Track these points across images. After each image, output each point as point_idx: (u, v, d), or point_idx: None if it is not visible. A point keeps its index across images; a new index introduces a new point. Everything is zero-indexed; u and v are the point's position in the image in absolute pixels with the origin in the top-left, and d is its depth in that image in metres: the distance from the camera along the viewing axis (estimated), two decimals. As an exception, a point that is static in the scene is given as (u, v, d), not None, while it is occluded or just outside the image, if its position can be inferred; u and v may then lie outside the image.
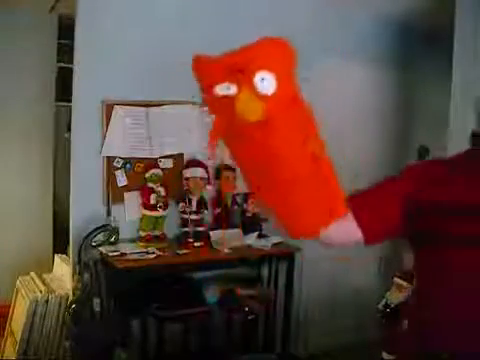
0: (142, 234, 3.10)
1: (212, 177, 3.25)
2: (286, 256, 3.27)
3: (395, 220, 1.31)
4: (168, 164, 3.22)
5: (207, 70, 1.05)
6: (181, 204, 3.17)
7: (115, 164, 3.10)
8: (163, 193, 3.11)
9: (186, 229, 3.15)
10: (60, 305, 3.06)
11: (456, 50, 3.18)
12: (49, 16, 4.03)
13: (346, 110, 3.85)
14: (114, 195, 3.10)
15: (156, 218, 3.11)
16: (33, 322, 3.02)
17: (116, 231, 3.03)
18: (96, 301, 2.84)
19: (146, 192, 3.10)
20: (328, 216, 1.13)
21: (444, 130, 3.21)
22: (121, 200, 3.12)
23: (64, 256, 3.48)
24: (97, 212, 3.06)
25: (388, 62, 3.98)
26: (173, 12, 3.17)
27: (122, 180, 3.12)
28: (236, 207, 3.34)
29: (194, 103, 3.09)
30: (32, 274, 3.38)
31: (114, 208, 3.10)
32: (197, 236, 3.13)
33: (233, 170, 3.10)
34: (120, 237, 3.05)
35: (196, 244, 3.10)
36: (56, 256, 3.56)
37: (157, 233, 3.11)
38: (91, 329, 2.83)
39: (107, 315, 2.87)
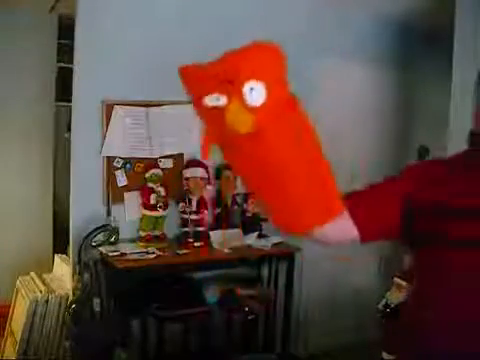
0: (142, 234, 3.10)
1: (212, 177, 3.25)
2: (286, 256, 3.27)
3: (392, 219, 1.30)
4: (168, 164, 3.22)
5: (195, 81, 1.03)
6: (181, 204, 3.17)
7: (115, 164, 3.10)
8: (163, 193, 3.11)
9: (186, 229, 3.15)
10: (60, 305, 3.07)
11: (456, 50, 3.18)
12: (49, 16, 4.03)
13: (346, 110, 3.85)
14: (114, 195, 3.10)
15: (156, 218, 3.11)
16: (33, 322, 3.02)
17: (116, 231, 3.03)
18: (96, 301, 2.84)
19: (146, 192, 3.10)
20: (324, 215, 1.13)
21: (444, 130, 3.21)
22: (121, 200, 3.12)
23: (64, 256, 3.48)
24: (97, 212, 3.06)
25: (388, 62, 3.98)
26: (173, 12, 3.17)
27: (122, 180, 3.12)
28: (236, 207, 3.34)
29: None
30: (32, 274, 3.38)
31: (114, 208, 3.10)
32: (197, 236, 3.13)
33: (233, 170, 3.10)
34: (120, 237, 3.05)
35: (196, 244, 3.10)
36: (56, 256, 3.56)
37: (157, 233, 3.11)
38: (91, 329, 2.83)
39: (107, 315, 2.87)
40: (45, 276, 3.38)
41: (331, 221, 1.16)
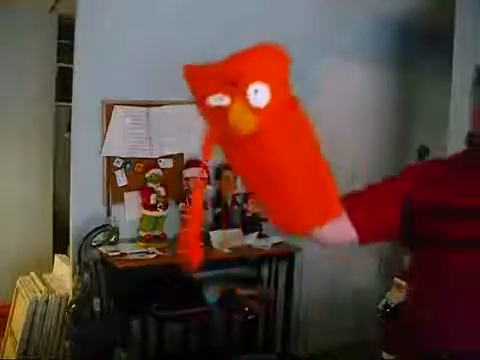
0: (142, 234, 3.10)
1: (212, 177, 3.25)
2: (286, 256, 3.27)
3: (392, 220, 1.31)
4: (168, 164, 3.22)
5: (199, 81, 1.03)
6: (181, 204, 3.16)
7: (115, 164, 3.10)
8: (163, 193, 3.11)
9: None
10: (60, 305, 3.07)
11: (456, 50, 3.18)
12: (49, 16, 4.03)
13: (346, 110, 3.85)
14: (114, 195, 3.10)
15: (156, 218, 3.11)
16: (33, 322, 3.02)
17: (116, 231, 3.03)
18: (96, 301, 2.84)
19: (146, 192, 3.10)
20: (323, 216, 1.13)
21: (444, 130, 3.21)
22: (121, 200, 3.12)
23: (64, 256, 3.48)
24: (97, 212, 3.06)
25: (388, 62, 3.98)
26: (173, 12, 3.17)
27: (122, 180, 3.12)
28: (236, 207, 3.35)
29: (194, 103, 3.09)
30: (32, 274, 3.38)
31: (114, 208, 3.10)
32: (197, 236, 3.13)
33: (233, 170, 3.10)
34: (120, 237, 3.05)
35: (196, 244, 3.10)
36: (56, 256, 3.56)
37: (157, 233, 3.11)
38: (91, 329, 2.83)
39: (107, 315, 2.87)
40: (45, 276, 3.38)
41: (330, 222, 1.16)
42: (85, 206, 3.06)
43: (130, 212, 3.14)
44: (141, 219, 3.12)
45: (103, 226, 2.99)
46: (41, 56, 4.07)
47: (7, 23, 3.85)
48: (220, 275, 3.29)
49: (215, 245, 3.10)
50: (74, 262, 2.97)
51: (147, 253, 2.92)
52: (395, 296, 2.86)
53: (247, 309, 3.21)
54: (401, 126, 4.21)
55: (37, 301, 3.03)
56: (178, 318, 3.00)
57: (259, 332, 3.44)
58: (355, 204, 1.27)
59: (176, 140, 3.22)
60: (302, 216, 1.13)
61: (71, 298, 2.98)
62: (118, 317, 2.91)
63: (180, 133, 3.20)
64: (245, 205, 3.36)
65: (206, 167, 3.15)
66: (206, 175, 3.17)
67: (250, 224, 3.33)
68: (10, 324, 3.31)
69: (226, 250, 3.07)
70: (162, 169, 3.16)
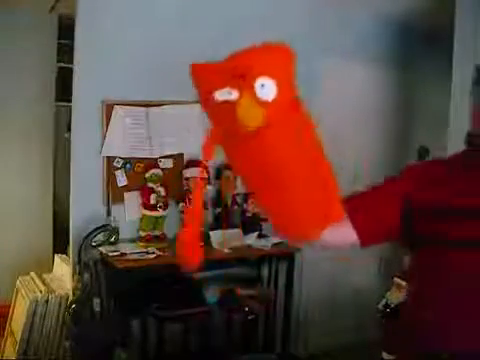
0: (142, 234, 3.10)
1: (212, 177, 3.25)
2: (286, 256, 3.27)
3: (392, 220, 1.31)
4: (168, 164, 3.22)
5: (206, 76, 1.04)
6: (181, 204, 3.16)
7: (115, 164, 3.10)
8: (163, 193, 3.11)
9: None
10: (60, 305, 3.07)
11: (456, 50, 3.18)
12: (49, 16, 4.03)
13: (346, 110, 3.85)
14: (114, 195, 3.10)
15: (156, 218, 3.11)
16: (33, 322, 3.02)
17: (116, 231, 3.03)
18: (96, 301, 2.84)
19: (146, 192, 3.10)
20: (324, 220, 1.13)
21: (444, 130, 3.21)
22: (121, 200, 3.12)
23: (64, 256, 3.48)
24: (97, 212, 3.06)
25: (388, 62, 3.98)
26: (173, 12, 3.17)
27: (122, 180, 3.12)
28: (236, 207, 3.35)
29: (194, 103, 3.09)
30: (32, 274, 3.38)
31: (114, 208, 3.10)
32: (197, 236, 3.13)
33: (233, 170, 3.10)
34: (120, 237, 3.05)
35: (196, 244, 3.10)
36: (56, 256, 3.56)
37: (157, 233, 3.11)
38: (91, 329, 2.83)
39: (107, 315, 2.87)
40: (45, 276, 3.38)
41: (330, 226, 1.16)
42: (85, 206, 3.06)
43: (130, 212, 3.14)
44: (141, 219, 3.12)
45: (103, 226, 2.99)
46: (41, 56, 4.07)
47: (7, 23, 3.85)
48: (220, 275, 3.29)
49: (215, 245, 3.10)
50: (74, 262, 2.97)
51: (147, 253, 2.92)
52: (395, 296, 2.86)
53: (247, 309, 3.21)
54: (401, 126, 4.21)
55: (37, 301, 3.03)
56: (178, 318, 3.00)
57: (259, 332, 3.44)
58: (355, 207, 1.27)
59: (176, 140, 3.22)
60: (302, 221, 1.12)
61: (71, 298, 2.98)
62: (118, 317, 2.91)
63: (180, 133, 3.20)
64: (245, 205, 3.36)
65: (206, 167, 3.15)
66: (206, 175, 3.17)
67: (250, 224, 3.33)
68: (10, 324, 3.31)
69: (226, 250, 3.07)
70: (162, 169, 3.16)
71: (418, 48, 3.98)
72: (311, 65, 3.43)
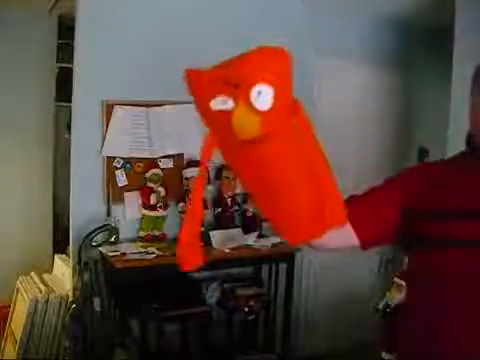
0: (142, 234, 3.10)
1: (212, 177, 3.25)
2: (286, 256, 3.27)
3: (391, 222, 1.31)
4: (168, 164, 3.22)
5: (201, 83, 1.01)
6: (181, 204, 3.17)
7: (115, 164, 3.10)
8: (163, 193, 3.11)
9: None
10: (60, 305, 3.06)
11: (456, 50, 3.18)
12: (49, 16, 4.03)
13: (345, 110, 3.85)
14: (114, 195, 3.10)
15: (156, 218, 3.11)
16: (33, 322, 3.02)
17: (116, 231, 3.03)
18: (96, 301, 2.84)
19: (146, 192, 3.10)
20: (326, 225, 1.10)
21: (444, 131, 3.21)
22: (121, 200, 3.12)
23: (64, 256, 3.48)
24: (97, 212, 3.06)
25: (388, 62, 3.98)
26: (173, 12, 3.16)
27: (122, 180, 3.12)
28: (236, 207, 3.35)
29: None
30: (32, 274, 3.38)
31: (114, 208, 3.10)
32: (197, 236, 3.13)
33: (233, 170, 3.10)
34: (120, 237, 3.05)
35: (196, 244, 3.10)
36: (56, 256, 3.56)
37: (157, 233, 3.11)
38: (91, 329, 2.83)
39: (107, 315, 2.88)
40: (45, 276, 3.38)
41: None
42: (85, 206, 3.06)
43: (130, 212, 3.14)
44: (141, 219, 3.12)
45: (103, 226, 2.99)
46: (41, 56, 4.07)
47: (7, 23, 3.85)
48: (220, 275, 3.30)
49: (215, 245, 3.10)
50: (74, 262, 2.97)
51: (147, 253, 2.91)
52: (395, 296, 2.86)
53: (247, 309, 3.22)
54: (401, 126, 4.22)
55: (37, 301, 3.02)
56: (178, 318, 3.00)
57: (259, 332, 3.45)
58: (355, 209, 1.26)
59: (176, 140, 3.22)
60: (302, 225, 1.10)
61: (71, 298, 2.98)
62: (118, 317, 2.91)
63: (180, 133, 3.20)
64: (245, 205, 3.36)
65: (206, 167, 3.15)
66: (206, 175, 3.17)
67: (250, 224, 3.33)
68: (10, 324, 3.30)
69: (226, 250, 3.07)
70: (162, 169, 3.16)
71: (418, 48, 3.98)
72: (311, 65, 3.44)
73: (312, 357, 3.66)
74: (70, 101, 3.11)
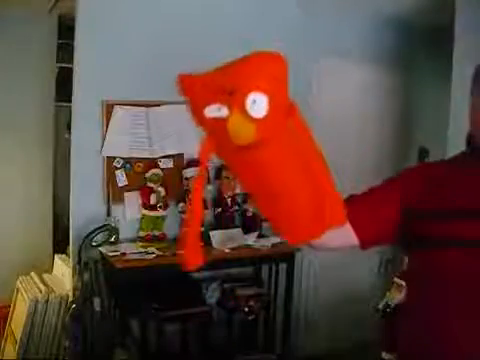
0: (142, 234, 3.10)
1: (212, 177, 3.25)
2: (286, 256, 3.27)
3: (391, 222, 1.31)
4: (168, 164, 3.22)
5: (194, 90, 1.00)
6: (181, 204, 3.17)
7: (115, 164, 3.10)
8: (163, 193, 3.11)
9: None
10: (60, 305, 3.06)
11: (456, 50, 3.18)
12: (49, 16, 4.03)
13: (345, 110, 3.85)
14: (114, 195, 3.10)
15: (156, 218, 3.11)
16: (33, 322, 3.02)
17: (116, 231, 3.03)
18: (96, 301, 2.84)
19: (146, 192, 3.10)
20: (325, 225, 1.10)
21: (444, 131, 3.21)
22: (121, 200, 3.12)
23: (64, 256, 3.48)
24: (97, 212, 3.06)
25: (388, 62, 3.98)
26: (173, 12, 3.16)
27: (122, 180, 3.12)
28: (236, 207, 3.35)
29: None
30: (32, 274, 3.38)
31: (114, 208, 3.10)
32: (197, 236, 3.13)
33: (233, 170, 3.10)
34: (120, 237, 3.05)
35: (196, 244, 3.10)
36: (56, 256, 3.56)
37: (157, 233, 3.11)
38: (91, 329, 2.83)
39: (107, 315, 2.88)
40: (45, 276, 3.38)
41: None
42: (85, 206, 3.06)
43: (130, 212, 3.14)
44: (141, 219, 3.12)
45: (103, 226, 2.99)
46: (41, 56, 4.06)
47: (7, 23, 3.85)
48: (220, 275, 3.30)
49: (215, 245, 3.10)
50: (74, 262, 2.98)
51: (147, 253, 2.92)
52: (395, 296, 2.86)
53: (247, 309, 3.22)
54: (401, 126, 4.21)
55: (37, 301, 3.02)
56: (178, 318, 3.00)
57: (259, 332, 3.45)
58: (355, 209, 1.26)
59: (176, 140, 3.22)
60: (302, 226, 1.10)
61: (71, 298, 2.98)
62: (118, 317, 2.91)
63: (180, 133, 3.20)
64: (245, 205, 3.36)
65: (206, 167, 3.14)
66: (206, 175, 3.17)
67: (250, 224, 3.33)
68: (10, 324, 3.31)
69: (226, 250, 3.07)
70: (162, 169, 3.16)
71: (418, 48, 3.98)
72: (310, 65, 3.44)
73: (312, 357, 3.66)
74: (70, 101, 3.11)
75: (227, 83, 0.96)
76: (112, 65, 3.03)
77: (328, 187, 1.09)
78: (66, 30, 3.78)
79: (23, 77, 3.97)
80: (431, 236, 1.25)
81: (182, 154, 3.25)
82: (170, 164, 3.23)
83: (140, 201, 3.13)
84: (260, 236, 3.28)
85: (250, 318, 3.25)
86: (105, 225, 3.00)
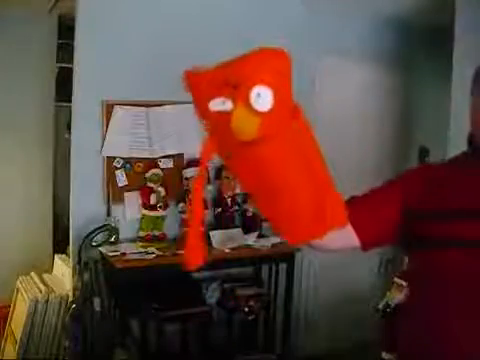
0: (142, 234, 3.10)
1: (212, 177, 3.25)
2: (286, 256, 3.27)
3: (392, 223, 1.31)
4: (168, 164, 3.22)
5: (200, 84, 1.00)
6: (181, 204, 3.17)
7: (115, 164, 3.10)
8: (163, 193, 3.11)
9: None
10: (60, 305, 3.06)
11: (456, 50, 3.18)
12: (49, 16, 4.03)
13: (345, 111, 3.85)
14: (114, 195, 3.10)
15: (156, 218, 3.11)
16: (33, 322, 3.02)
17: (116, 231, 3.03)
18: (96, 301, 2.84)
19: (146, 192, 3.10)
20: (326, 226, 1.10)
21: (444, 131, 3.21)
22: (121, 200, 3.12)
23: (64, 256, 3.48)
24: (97, 212, 3.06)
25: (388, 62, 3.98)
26: (173, 12, 3.17)
27: (122, 180, 3.12)
28: (236, 207, 3.35)
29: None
30: (32, 274, 3.38)
31: (114, 208, 3.10)
32: (197, 236, 3.13)
33: (233, 170, 3.10)
34: (120, 237, 3.05)
35: (196, 244, 3.09)
36: (56, 256, 3.56)
37: (157, 233, 3.11)
38: (91, 329, 2.83)
39: (107, 315, 2.88)
40: (45, 276, 3.38)
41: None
42: (85, 206, 3.06)
43: (130, 212, 3.14)
44: (141, 219, 3.12)
45: (103, 226, 2.99)
46: (41, 56, 4.06)
47: (7, 23, 3.85)
48: (220, 275, 3.30)
49: (215, 245, 3.10)
50: (74, 262, 2.97)
51: (147, 253, 2.92)
52: (395, 296, 2.86)
53: (247, 309, 3.22)
54: (401, 127, 4.21)
55: (37, 301, 3.02)
56: (178, 318, 3.00)
57: (259, 332, 3.45)
58: (356, 210, 1.26)
59: (176, 140, 3.22)
60: (302, 227, 1.10)
61: (71, 298, 2.98)
62: (118, 317, 2.91)
63: (180, 133, 3.20)
64: (245, 205, 3.36)
65: (206, 167, 3.14)
66: (206, 175, 3.17)
67: (250, 224, 3.33)
68: (10, 324, 3.30)
69: (226, 250, 3.07)
70: (162, 169, 3.16)
71: (418, 48, 3.98)
72: (314, 63, 3.43)
73: (312, 357, 3.66)
74: (70, 101, 3.11)
75: (231, 77, 0.96)
76: (112, 65, 3.03)
77: (329, 188, 1.08)
78: (66, 30, 3.78)
79: (23, 77, 3.97)
80: (431, 236, 1.25)
81: (182, 154, 3.25)
82: (170, 164, 3.23)
83: (140, 201, 3.13)
84: (260, 236, 3.28)
85: (250, 318, 3.25)
86: (105, 225, 3.00)
